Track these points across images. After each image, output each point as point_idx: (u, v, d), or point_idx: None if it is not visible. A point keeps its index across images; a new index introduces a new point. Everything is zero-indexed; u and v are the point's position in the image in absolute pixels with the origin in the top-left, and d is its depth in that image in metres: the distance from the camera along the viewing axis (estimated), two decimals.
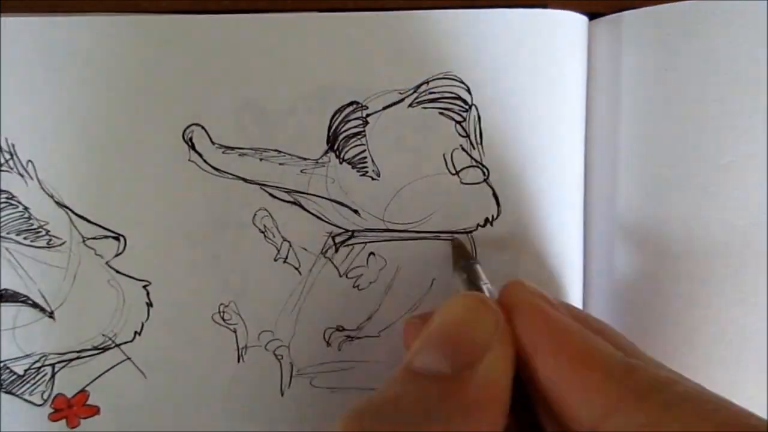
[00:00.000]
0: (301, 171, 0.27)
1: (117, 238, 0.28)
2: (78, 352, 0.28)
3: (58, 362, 0.28)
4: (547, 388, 0.19)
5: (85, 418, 0.29)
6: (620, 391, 0.18)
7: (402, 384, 0.19)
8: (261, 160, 0.27)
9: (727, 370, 0.27)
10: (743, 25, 0.26)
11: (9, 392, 0.28)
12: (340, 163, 0.28)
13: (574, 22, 0.27)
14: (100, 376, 0.28)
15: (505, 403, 0.19)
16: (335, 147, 0.27)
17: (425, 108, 0.27)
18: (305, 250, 0.28)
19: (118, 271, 0.28)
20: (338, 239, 0.28)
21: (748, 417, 0.17)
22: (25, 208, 0.27)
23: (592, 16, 0.28)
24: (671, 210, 0.27)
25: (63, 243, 0.28)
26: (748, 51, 0.26)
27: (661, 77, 0.27)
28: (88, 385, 0.28)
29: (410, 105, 0.27)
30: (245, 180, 0.27)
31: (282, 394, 0.29)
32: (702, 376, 0.27)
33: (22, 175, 0.27)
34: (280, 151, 0.27)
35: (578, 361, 0.19)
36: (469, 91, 0.27)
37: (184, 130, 0.27)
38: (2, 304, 0.28)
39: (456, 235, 0.28)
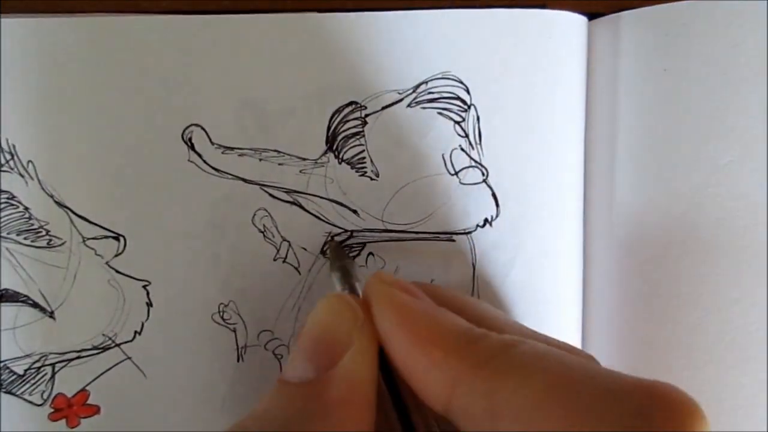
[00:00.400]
0: (301, 171, 0.27)
1: (117, 238, 0.28)
2: (78, 351, 0.28)
3: (58, 362, 0.28)
4: (404, 373, 0.20)
5: (85, 417, 0.29)
6: (461, 362, 0.18)
7: (274, 396, 0.20)
8: (260, 160, 0.27)
9: (727, 370, 0.27)
10: (743, 25, 0.26)
11: (9, 392, 0.28)
12: (339, 163, 0.28)
13: (574, 22, 0.27)
14: (100, 375, 0.28)
15: (369, 398, 0.19)
16: (334, 147, 0.27)
17: (424, 108, 0.27)
18: (304, 249, 0.28)
19: (118, 271, 0.28)
20: (337, 239, 0.28)
21: (587, 369, 0.17)
22: (26, 209, 0.27)
23: (592, 16, 0.28)
24: (671, 210, 0.27)
25: (63, 243, 0.28)
26: (747, 51, 0.26)
27: (661, 77, 0.27)
28: (88, 384, 0.28)
29: (409, 105, 0.27)
30: (245, 180, 0.27)
31: None
32: (702, 376, 0.27)
33: (22, 176, 0.27)
34: (279, 152, 0.27)
35: (423, 339, 0.19)
36: (468, 91, 0.27)
37: (184, 131, 0.27)
38: (2, 304, 0.28)
39: (335, 237, 0.28)
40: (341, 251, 0.27)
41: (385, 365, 0.21)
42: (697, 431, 0.16)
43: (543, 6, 0.27)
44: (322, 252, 0.28)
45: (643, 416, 0.16)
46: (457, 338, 0.19)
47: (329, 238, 0.28)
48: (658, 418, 0.16)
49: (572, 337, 0.30)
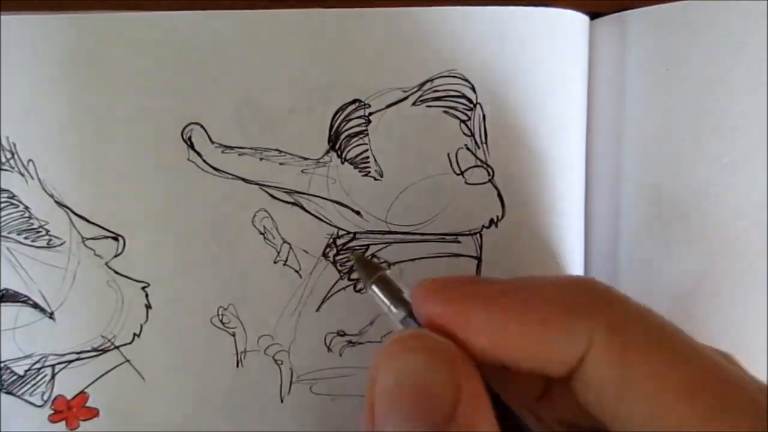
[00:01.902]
0: (302, 171, 0.27)
1: (116, 239, 0.27)
2: (78, 353, 0.28)
3: (58, 363, 0.28)
4: (517, 360, 0.18)
5: (84, 420, 0.28)
6: (594, 323, 0.17)
7: None
8: (261, 159, 0.27)
9: None
10: (744, 24, 0.26)
11: (9, 393, 0.28)
12: (342, 162, 0.27)
13: (576, 21, 0.27)
14: (99, 377, 0.28)
15: (495, 426, 0.18)
16: (337, 146, 0.27)
17: (429, 106, 0.27)
18: (306, 252, 0.27)
19: (117, 272, 0.27)
20: (339, 241, 0.27)
21: (729, 371, 0.16)
22: (26, 208, 0.27)
23: (594, 15, 0.28)
24: (673, 210, 0.27)
25: (63, 243, 0.27)
26: (749, 51, 0.26)
27: (663, 77, 0.27)
28: (87, 386, 0.28)
29: (414, 103, 0.27)
30: (245, 180, 0.27)
31: (282, 401, 0.28)
32: None
33: (22, 175, 0.27)
34: (280, 151, 0.27)
35: (535, 311, 0.18)
36: (473, 89, 0.26)
37: (183, 129, 0.27)
38: (3, 304, 0.28)
39: (356, 251, 0.26)
40: (368, 261, 0.24)
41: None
42: None
43: (546, 5, 0.26)
44: (324, 255, 0.27)
45: None
46: (585, 301, 0.18)
47: (331, 240, 0.27)
48: None
49: None
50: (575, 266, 0.28)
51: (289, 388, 0.28)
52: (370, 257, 0.27)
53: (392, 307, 0.21)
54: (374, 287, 0.22)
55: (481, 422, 0.18)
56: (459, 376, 0.18)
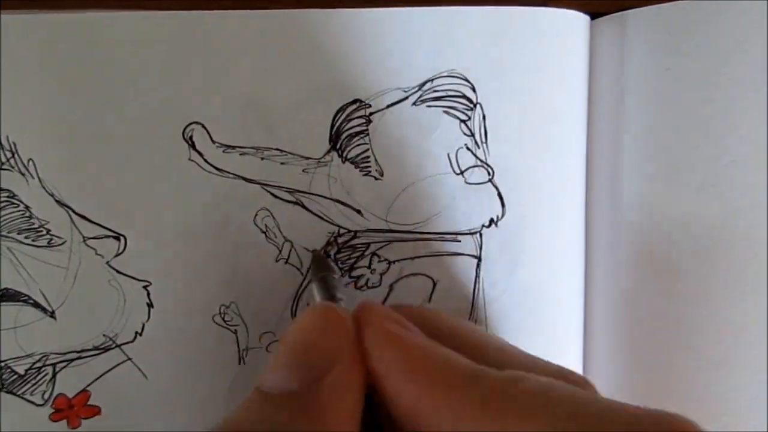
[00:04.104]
0: (303, 170, 0.27)
1: (117, 238, 0.27)
2: (79, 352, 0.28)
3: (59, 362, 0.28)
4: (399, 407, 0.19)
5: (86, 418, 0.28)
6: (464, 403, 0.18)
7: (254, 406, 0.19)
8: (262, 159, 0.27)
9: (727, 370, 0.27)
10: (745, 24, 0.26)
11: (10, 392, 0.28)
12: (343, 162, 0.27)
13: (576, 21, 0.27)
14: (101, 376, 0.28)
15: (355, 415, 0.19)
16: (338, 146, 0.27)
17: (429, 106, 0.27)
18: (307, 250, 0.27)
19: (118, 271, 0.28)
20: (341, 239, 0.28)
21: (592, 404, 0.17)
22: (26, 207, 0.27)
23: (594, 15, 0.28)
24: (673, 210, 0.27)
25: (64, 242, 0.27)
26: (749, 51, 0.26)
27: (663, 77, 0.27)
28: (89, 385, 0.28)
29: (414, 103, 0.27)
30: (246, 179, 0.27)
31: None
32: (702, 376, 0.27)
33: (23, 174, 0.27)
34: (281, 150, 0.27)
35: (424, 378, 0.19)
36: (473, 89, 0.27)
37: (185, 129, 0.27)
38: (3, 303, 0.28)
39: (317, 249, 0.27)
40: (325, 261, 0.27)
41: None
42: None
43: (546, 5, 0.26)
44: (325, 253, 0.28)
45: None
46: (458, 376, 0.19)
47: (332, 239, 0.27)
48: None
49: (574, 337, 0.29)
50: (575, 265, 0.28)
51: None
52: (327, 256, 0.27)
53: None
54: (315, 284, 0.25)
55: (345, 399, 0.19)
56: (345, 344, 0.20)
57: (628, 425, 0.16)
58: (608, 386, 0.29)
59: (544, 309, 0.28)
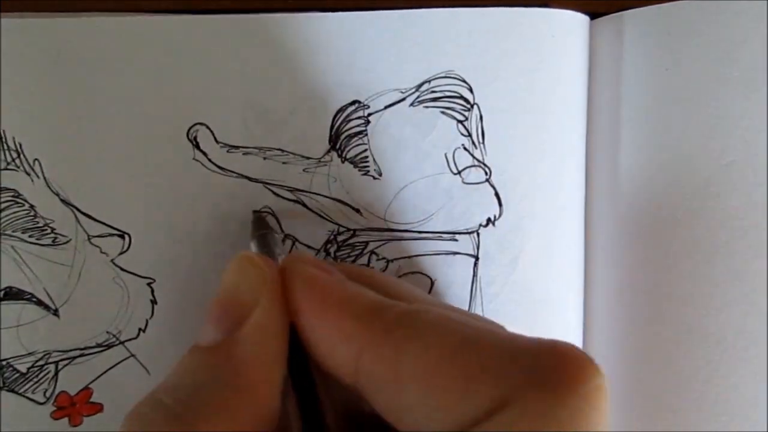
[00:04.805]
0: (304, 170, 0.28)
1: (122, 236, 0.28)
2: (82, 349, 0.28)
3: (62, 360, 0.28)
4: (313, 347, 0.19)
5: (88, 416, 0.29)
6: (368, 331, 0.18)
7: (185, 363, 0.19)
8: (264, 159, 0.27)
9: (727, 370, 0.27)
10: (744, 24, 0.26)
11: (11, 390, 0.28)
12: (342, 162, 0.28)
13: (576, 21, 0.28)
14: (103, 373, 0.28)
15: (277, 358, 0.19)
16: (337, 146, 0.28)
17: (427, 107, 0.27)
18: (308, 247, 0.28)
19: (122, 269, 0.28)
20: (340, 238, 0.28)
21: (489, 332, 0.17)
22: (31, 206, 0.28)
23: (594, 15, 0.28)
24: (673, 210, 0.27)
25: (68, 241, 0.28)
26: (749, 51, 0.26)
27: (662, 77, 0.27)
28: (91, 382, 0.28)
29: (412, 104, 0.27)
30: (249, 178, 0.28)
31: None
32: (702, 376, 0.27)
33: (28, 174, 0.27)
34: (283, 150, 0.27)
35: (332, 309, 0.19)
36: (471, 90, 0.27)
37: (189, 129, 0.27)
38: (7, 301, 0.28)
39: (258, 210, 0.27)
40: (264, 222, 0.27)
41: (292, 345, 0.20)
42: (591, 383, 0.16)
43: (545, 5, 0.27)
44: (325, 250, 0.28)
45: (539, 370, 0.16)
46: (365, 308, 0.19)
47: (332, 237, 0.28)
48: (555, 371, 0.16)
49: (573, 334, 0.30)
50: (574, 264, 0.28)
51: None
52: (265, 217, 0.27)
53: None
54: (254, 242, 0.25)
55: (265, 342, 0.19)
56: (263, 288, 0.20)
57: (520, 351, 0.17)
58: (607, 384, 0.29)
59: (542, 308, 0.29)
